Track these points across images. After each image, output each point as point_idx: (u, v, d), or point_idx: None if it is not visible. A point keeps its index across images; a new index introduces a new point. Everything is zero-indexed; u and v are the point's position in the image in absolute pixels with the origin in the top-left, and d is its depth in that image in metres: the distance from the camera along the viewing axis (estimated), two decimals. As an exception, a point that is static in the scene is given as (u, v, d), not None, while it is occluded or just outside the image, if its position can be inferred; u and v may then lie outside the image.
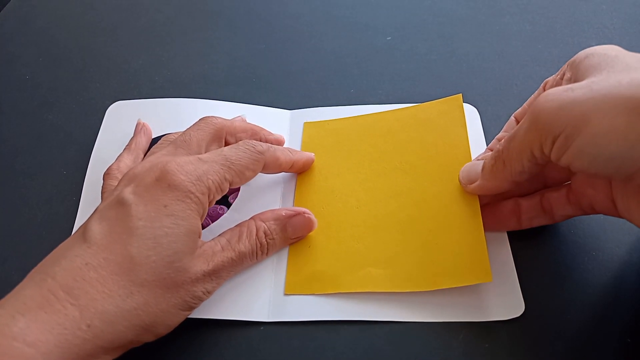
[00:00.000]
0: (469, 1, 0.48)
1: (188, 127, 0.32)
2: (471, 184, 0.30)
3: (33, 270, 0.25)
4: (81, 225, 0.27)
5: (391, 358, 0.27)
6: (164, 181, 0.26)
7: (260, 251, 0.30)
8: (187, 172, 0.27)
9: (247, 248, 0.29)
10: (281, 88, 0.42)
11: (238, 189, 0.35)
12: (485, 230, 0.29)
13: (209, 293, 0.27)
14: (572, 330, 0.27)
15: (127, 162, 0.33)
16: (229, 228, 0.30)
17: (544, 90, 0.30)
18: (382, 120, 0.37)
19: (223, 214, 0.33)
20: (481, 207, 0.30)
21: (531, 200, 0.30)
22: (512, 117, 0.33)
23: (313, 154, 0.35)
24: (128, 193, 0.26)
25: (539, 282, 0.29)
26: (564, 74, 0.28)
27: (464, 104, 0.37)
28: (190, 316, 0.27)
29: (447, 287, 0.28)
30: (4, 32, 0.49)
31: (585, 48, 0.27)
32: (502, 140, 0.28)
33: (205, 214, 0.28)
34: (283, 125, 0.39)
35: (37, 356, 0.21)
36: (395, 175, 0.34)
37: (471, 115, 0.37)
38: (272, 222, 0.30)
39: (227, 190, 0.29)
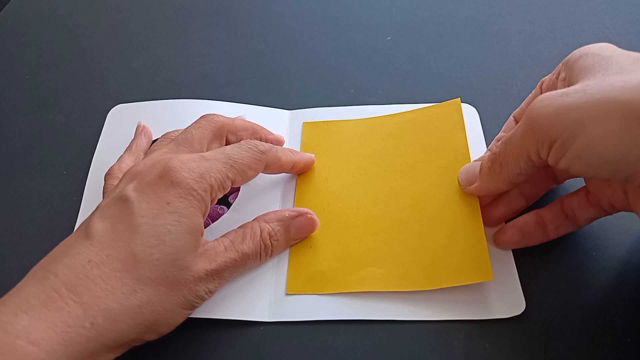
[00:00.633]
0: (469, 1, 0.48)
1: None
2: (470, 185, 0.30)
3: (35, 268, 0.25)
4: (83, 222, 0.27)
5: (391, 358, 0.27)
6: (166, 178, 0.26)
7: (264, 252, 0.30)
8: (189, 170, 0.27)
9: (251, 249, 0.29)
10: (281, 88, 0.42)
11: (238, 189, 0.35)
12: (513, 247, 0.30)
13: (210, 293, 0.27)
14: (572, 329, 0.27)
15: (128, 162, 0.33)
16: (229, 228, 0.30)
17: (541, 89, 0.30)
18: (382, 123, 0.37)
19: (223, 213, 0.33)
20: (507, 227, 0.30)
21: (552, 210, 0.29)
22: (510, 117, 0.33)
23: (314, 155, 0.35)
24: (130, 190, 0.26)
25: (539, 282, 0.29)
26: (559, 74, 0.28)
27: (463, 104, 0.38)
28: (191, 316, 0.27)
29: (449, 286, 0.28)
30: (4, 32, 0.49)
31: (583, 47, 0.27)
32: (499, 142, 0.28)
33: (208, 212, 0.28)
34: (283, 125, 0.39)
35: (41, 354, 0.21)
36: (395, 177, 0.34)
37: (470, 115, 0.38)
38: (276, 224, 0.30)
39: (229, 189, 0.29)
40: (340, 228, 0.32)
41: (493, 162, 0.28)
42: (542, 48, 0.43)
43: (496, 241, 0.30)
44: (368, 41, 0.45)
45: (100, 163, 0.36)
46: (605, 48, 0.26)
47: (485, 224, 0.30)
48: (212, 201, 0.28)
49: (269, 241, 0.30)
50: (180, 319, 0.26)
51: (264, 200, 0.34)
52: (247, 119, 0.36)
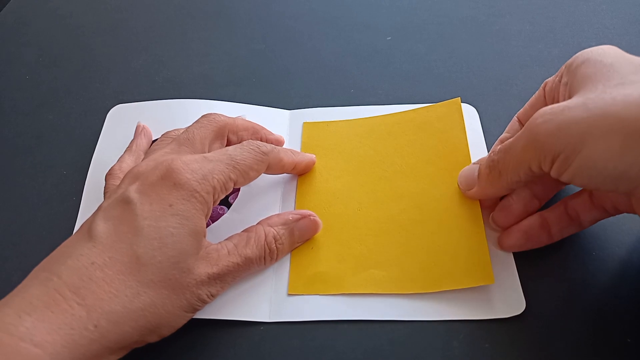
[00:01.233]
0: (469, 1, 0.48)
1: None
2: (469, 189, 0.30)
3: (36, 268, 0.25)
4: (85, 223, 0.26)
5: (391, 358, 0.27)
6: (169, 179, 0.26)
7: (269, 257, 0.30)
8: (192, 171, 0.27)
9: (254, 253, 0.29)
10: (281, 88, 0.42)
11: (238, 190, 0.35)
12: (518, 250, 0.30)
13: (213, 296, 0.27)
14: (572, 330, 0.27)
15: (128, 162, 0.33)
16: (229, 228, 0.30)
17: (544, 91, 0.30)
18: (382, 124, 0.37)
19: (223, 214, 0.33)
20: (511, 231, 0.30)
21: (556, 212, 0.29)
22: (514, 118, 0.33)
23: (315, 156, 0.35)
24: (133, 191, 0.26)
25: (539, 282, 0.29)
26: (562, 77, 0.28)
27: (464, 104, 0.37)
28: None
29: (449, 289, 0.28)
30: (4, 32, 0.49)
31: (585, 48, 0.27)
32: (497, 149, 0.28)
33: (210, 214, 0.28)
34: (283, 125, 0.39)
35: (45, 357, 0.21)
36: (396, 178, 0.34)
37: (470, 115, 0.38)
38: (280, 227, 0.30)
39: (231, 190, 0.29)
40: (342, 229, 0.32)
41: (492, 169, 0.28)
42: (542, 48, 0.43)
43: (501, 245, 0.30)
44: (368, 41, 0.45)
45: (100, 163, 0.36)
46: (607, 54, 0.25)
47: (499, 227, 0.30)
48: (214, 202, 0.28)
49: (274, 245, 0.30)
50: (182, 322, 0.26)
51: (264, 200, 0.34)
52: (247, 119, 0.36)
